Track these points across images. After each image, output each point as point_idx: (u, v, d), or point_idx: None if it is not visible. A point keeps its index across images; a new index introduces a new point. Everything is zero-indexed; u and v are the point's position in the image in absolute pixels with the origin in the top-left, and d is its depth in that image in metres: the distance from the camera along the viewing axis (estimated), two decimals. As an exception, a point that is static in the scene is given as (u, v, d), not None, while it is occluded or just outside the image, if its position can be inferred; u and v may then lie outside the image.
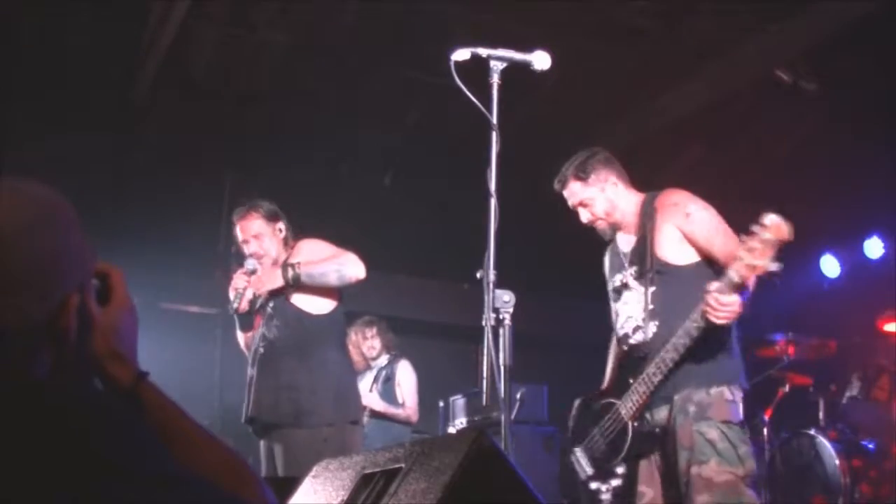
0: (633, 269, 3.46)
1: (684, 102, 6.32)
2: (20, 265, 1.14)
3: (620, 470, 3.35)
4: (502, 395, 2.59)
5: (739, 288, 3.02)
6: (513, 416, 3.62)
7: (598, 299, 3.75)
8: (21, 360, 1.15)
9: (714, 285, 3.05)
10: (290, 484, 2.05)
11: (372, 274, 4.16)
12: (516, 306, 2.67)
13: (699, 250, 3.37)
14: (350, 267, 4.07)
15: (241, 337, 4.34)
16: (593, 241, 3.73)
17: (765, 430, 5.62)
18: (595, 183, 3.50)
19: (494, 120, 2.78)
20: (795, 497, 5.38)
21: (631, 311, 3.45)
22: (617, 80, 6.09)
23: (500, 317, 2.67)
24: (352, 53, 5.86)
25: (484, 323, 2.65)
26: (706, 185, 3.66)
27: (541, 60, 2.90)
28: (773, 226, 2.91)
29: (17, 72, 5.37)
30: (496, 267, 2.69)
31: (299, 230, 4.32)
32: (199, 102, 6.25)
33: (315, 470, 2.02)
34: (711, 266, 3.36)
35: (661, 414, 3.32)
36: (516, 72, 2.88)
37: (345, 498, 1.77)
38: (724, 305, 3.03)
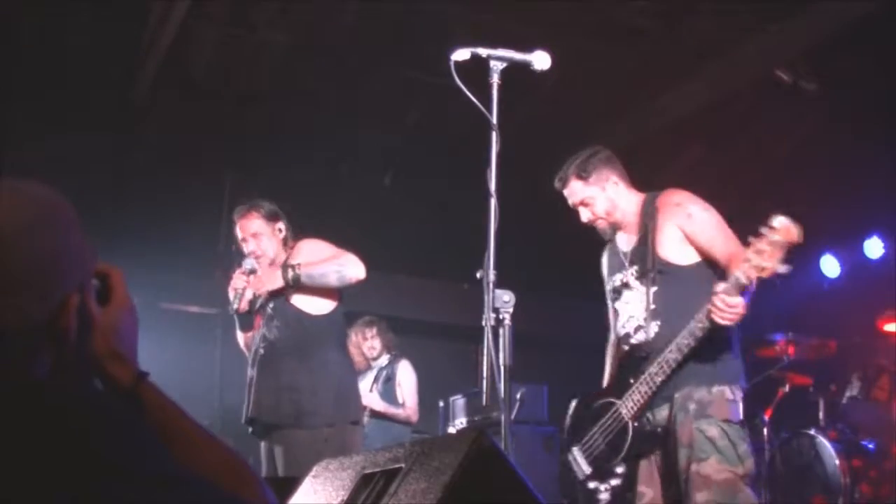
0: (633, 269, 3.46)
1: (684, 102, 6.32)
2: (20, 265, 1.14)
3: (620, 470, 3.35)
4: (502, 395, 2.59)
5: (744, 289, 3.02)
6: (513, 416, 3.62)
7: (598, 299, 3.75)
8: (21, 360, 1.15)
9: (720, 286, 3.05)
10: (290, 484, 2.05)
11: (372, 274, 4.16)
12: (516, 306, 2.67)
13: (700, 251, 3.37)
14: (350, 267, 4.07)
15: (240, 337, 4.34)
16: (593, 241, 3.73)
17: (765, 430, 5.61)
18: (596, 182, 3.50)
19: (494, 120, 2.78)
20: (795, 497, 5.38)
21: (632, 311, 3.45)
22: (617, 80, 6.09)
23: (500, 317, 2.67)
24: (352, 53, 5.86)
25: (484, 323, 2.65)
26: (706, 185, 3.67)
27: (541, 60, 2.90)
28: (783, 228, 2.92)
29: (17, 72, 5.37)
30: (496, 267, 2.69)
31: (299, 230, 4.32)
32: (199, 102, 6.25)
33: (315, 470, 2.02)
34: (711, 267, 3.36)
35: (662, 413, 3.32)
36: (516, 72, 2.88)
37: (345, 498, 1.77)
38: (730, 307, 3.03)
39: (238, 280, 4.13)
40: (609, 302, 3.69)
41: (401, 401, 6.04)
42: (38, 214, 1.18)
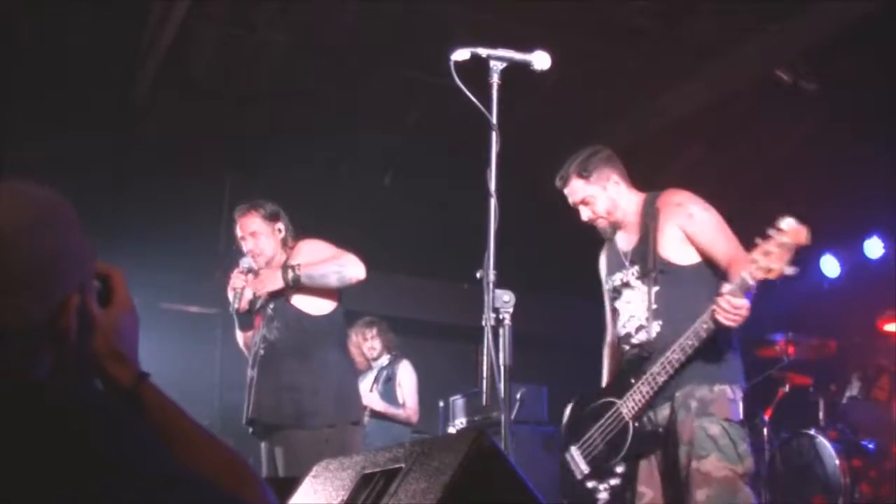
0: (635, 269, 3.46)
1: (684, 102, 6.32)
2: (20, 265, 1.14)
3: (620, 469, 3.35)
4: (502, 395, 2.59)
5: (749, 290, 3.03)
6: (513, 416, 3.61)
7: (598, 299, 3.75)
8: (21, 360, 1.15)
9: (726, 287, 3.06)
10: (290, 484, 2.05)
11: (372, 274, 4.16)
12: (516, 306, 2.67)
13: (701, 251, 3.37)
14: (350, 268, 4.07)
15: (240, 336, 4.34)
16: (593, 241, 3.72)
17: (765, 430, 5.61)
18: (597, 181, 3.50)
19: (494, 120, 2.78)
20: (795, 497, 5.38)
21: (633, 311, 3.45)
22: (617, 80, 6.09)
23: (500, 317, 2.66)
24: (352, 53, 5.86)
25: (484, 323, 2.65)
26: (706, 185, 3.67)
27: (541, 60, 2.90)
28: (792, 230, 2.93)
29: (17, 72, 5.38)
30: (496, 267, 2.69)
31: (300, 232, 4.32)
32: (199, 102, 6.25)
33: (315, 470, 2.02)
34: (711, 267, 3.36)
35: (663, 413, 3.32)
36: (516, 72, 2.88)
37: (345, 498, 1.76)
38: (735, 308, 3.03)
39: (236, 279, 4.13)
40: (607, 301, 3.69)
41: (401, 401, 6.04)
42: (38, 215, 1.18)
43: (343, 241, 4.23)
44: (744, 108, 6.48)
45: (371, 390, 5.94)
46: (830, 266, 7.01)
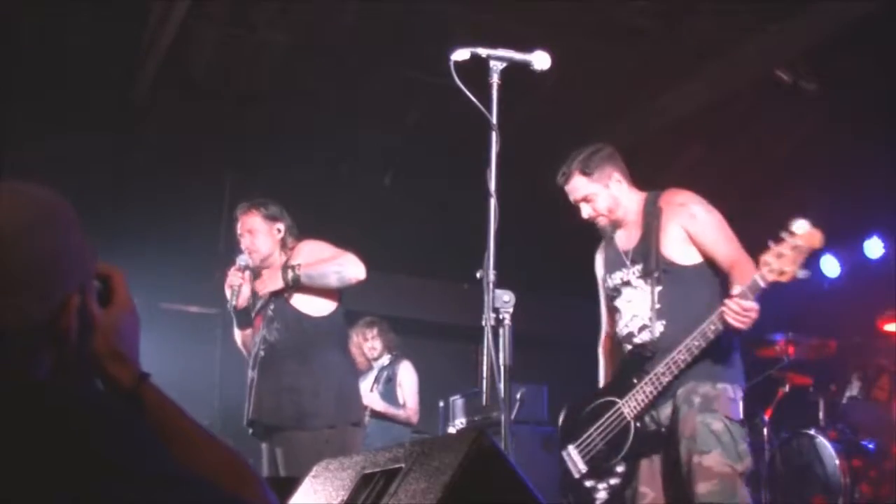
0: (636, 268, 3.46)
1: (684, 102, 6.31)
2: (20, 265, 1.14)
3: (620, 469, 3.35)
4: (502, 395, 2.59)
5: (759, 292, 3.04)
6: (513, 416, 3.61)
7: (598, 299, 3.75)
8: (21, 360, 1.15)
9: (736, 290, 3.06)
10: (290, 484, 2.05)
11: (372, 274, 4.16)
12: (516, 306, 2.67)
13: (703, 252, 3.38)
14: (350, 268, 4.07)
15: (238, 335, 4.34)
16: (593, 241, 3.72)
17: (765, 430, 5.61)
18: (599, 179, 3.49)
19: (494, 120, 2.78)
20: (795, 497, 5.38)
21: (636, 310, 3.44)
22: (617, 80, 6.09)
23: (500, 317, 2.67)
24: (352, 53, 5.86)
25: (484, 323, 2.65)
26: (706, 185, 3.67)
27: (541, 60, 2.90)
28: (807, 234, 2.94)
29: (17, 72, 5.37)
30: (496, 267, 2.69)
31: (301, 233, 4.32)
32: (199, 102, 6.25)
33: (315, 470, 2.02)
34: (713, 267, 3.37)
35: (665, 411, 3.32)
36: (516, 72, 2.88)
37: (345, 498, 1.76)
38: (746, 310, 3.04)
39: (233, 277, 4.14)
40: (604, 299, 3.69)
41: (401, 401, 6.04)
42: (38, 215, 1.18)
43: (343, 241, 4.24)
44: (744, 108, 6.48)
45: (371, 390, 5.94)
46: (830, 266, 7.00)
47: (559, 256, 6.96)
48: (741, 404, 3.30)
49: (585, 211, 3.55)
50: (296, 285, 4.06)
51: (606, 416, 3.40)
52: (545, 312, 7.72)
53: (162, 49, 5.60)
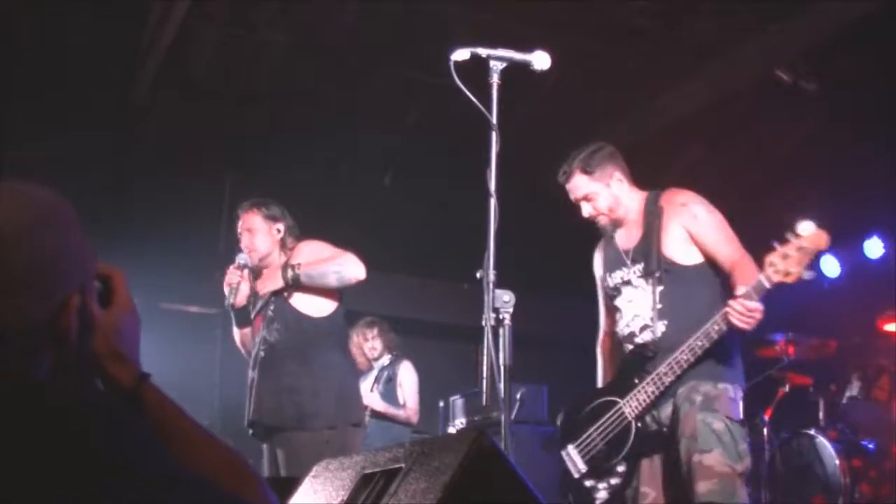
0: (637, 267, 3.45)
1: (684, 102, 6.31)
2: (20, 265, 1.14)
3: (621, 469, 3.35)
4: (502, 395, 2.59)
5: (763, 293, 3.04)
6: (513, 416, 3.61)
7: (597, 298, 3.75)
8: (21, 360, 1.15)
9: (741, 290, 3.06)
10: (290, 484, 2.05)
11: (372, 274, 4.16)
12: (516, 306, 2.67)
13: (704, 252, 3.38)
14: (350, 268, 4.07)
15: (236, 334, 4.34)
16: (593, 240, 3.72)
17: (765, 430, 5.61)
18: (600, 178, 3.49)
19: (494, 120, 2.78)
20: (795, 497, 5.38)
21: (637, 310, 3.44)
22: (617, 80, 6.09)
23: (500, 317, 2.66)
24: (352, 53, 5.86)
25: (484, 323, 2.65)
26: (706, 185, 3.67)
27: (541, 60, 2.90)
28: (813, 235, 2.94)
29: (17, 72, 5.37)
30: (496, 267, 2.69)
31: (302, 234, 4.32)
32: (199, 102, 6.25)
33: (315, 470, 2.02)
34: (714, 267, 3.37)
35: (665, 411, 3.32)
36: (516, 72, 2.88)
37: (345, 498, 1.76)
38: (750, 311, 3.04)
39: (232, 275, 4.14)
40: (603, 298, 3.69)
41: (402, 401, 6.04)
42: (38, 215, 1.18)
43: (343, 241, 4.23)
44: (744, 108, 6.48)
45: (372, 390, 5.94)
46: (830, 266, 7.00)
47: (559, 256, 6.96)
48: (741, 404, 3.30)
49: (586, 210, 3.54)
50: (295, 284, 4.06)
51: (607, 415, 3.40)
52: (545, 312, 7.71)
53: (162, 49, 5.60)
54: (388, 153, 7.07)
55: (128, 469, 1.04)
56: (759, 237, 3.26)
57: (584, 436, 3.45)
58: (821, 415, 5.67)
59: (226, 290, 4.15)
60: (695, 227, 3.37)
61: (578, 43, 5.50)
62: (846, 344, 5.96)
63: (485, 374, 2.62)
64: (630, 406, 3.33)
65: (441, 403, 6.65)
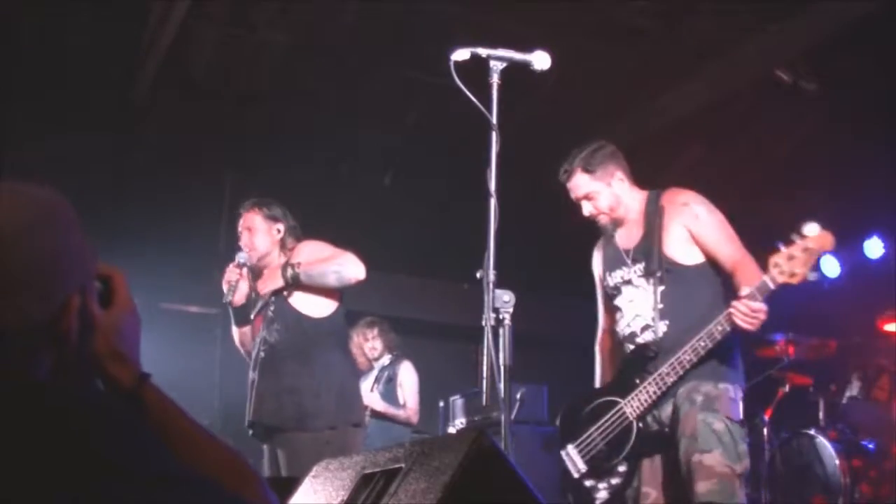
0: (638, 267, 3.45)
1: (684, 102, 6.31)
2: (20, 265, 1.14)
3: (622, 468, 3.35)
4: (502, 395, 2.59)
5: (768, 294, 3.04)
6: (513, 416, 3.61)
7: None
8: (21, 360, 1.15)
9: (745, 291, 3.06)
10: (290, 484, 2.05)
11: (372, 274, 4.16)
12: (516, 306, 2.67)
13: (705, 252, 3.37)
14: (349, 267, 4.07)
15: (235, 332, 4.34)
16: (593, 240, 3.72)
17: (765, 430, 5.61)
18: (602, 177, 3.49)
19: (494, 120, 2.78)
20: (795, 497, 5.38)
21: (638, 310, 3.44)
22: (617, 80, 6.09)
23: (500, 317, 2.66)
24: (352, 53, 5.86)
25: (484, 323, 2.65)
26: (706, 184, 3.67)
27: (541, 60, 2.90)
28: (818, 236, 2.95)
29: (17, 72, 5.37)
30: (496, 267, 2.69)
31: (302, 235, 4.32)
32: (199, 102, 6.25)
33: (315, 470, 2.02)
34: (715, 267, 3.37)
35: (666, 411, 3.32)
36: (516, 72, 2.88)
37: (345, 498, 1.76)
38: (754, 312, 3.04)
39: (231, 273, 4.15)
40: (602, 298, 3.68)
41: (402, 401, 6.04)
42: (38, 215, 1.18)
43: (343, 241, 4.23)
44: (744, 108, 6.48)
45: (372, 390, 5.94)
46: (830, 266, 7.00)
47: (559, 256, 6.96)
48: (741, 405, 3.30)
49: (587, 209, 3.54)
50: (295, 283, 4.06)
51: (608, 415, 3.40)
52: (545, 312, 7.71)
53: (162, 49, 5.60)
54: (388, 153, 7.07)
55: (128, 469, 1.04)
56: (759, 237, 3.27)
57: (585, 436, 3.45)
58: (821, 415, 5.67)
59: (224, 287, 4.15)
60: (696, 227, 3.37)
61: (578, 43, 5.50)
62: (846, 344, 5.96)
63: (485, 374, 2.62)
64: (631, 406, 3.33)
65: (441, 403, 6.65)
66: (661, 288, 3.37)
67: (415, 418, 6.05)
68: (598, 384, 3.69)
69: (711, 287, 3.35)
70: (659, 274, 3.37)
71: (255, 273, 4.28)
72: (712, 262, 3.37)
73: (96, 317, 1.25)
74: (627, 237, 3.53)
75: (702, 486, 3.13)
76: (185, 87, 6.10)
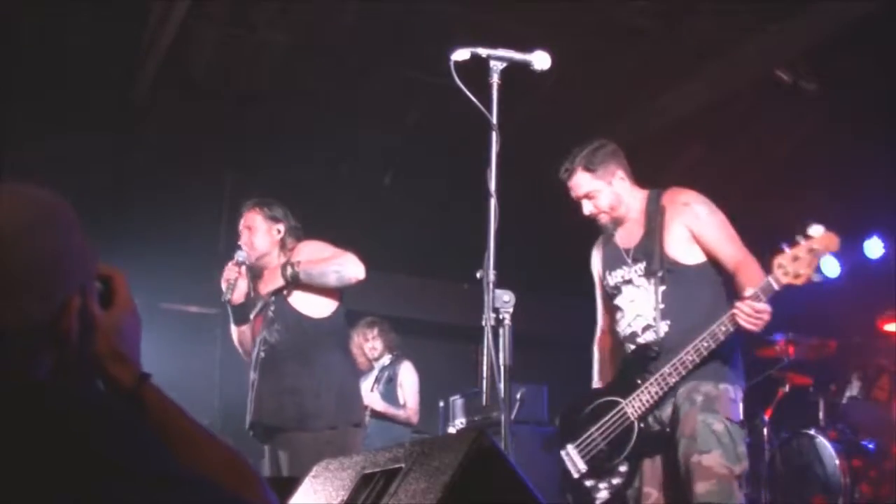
0: (638, 266, 3.45)
1: (684, 102, 6.31)
2: (20, 266, 1.14)
3: (623, 468, 3.35)
4: (502, 395, 2.59)
5: (771, 294, 3.04)
6: (513, 416, 3.61)
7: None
8: (21, 360, 1.15)
9: (748, 292, 3.06)
10: (290, 484, 2.05)
11: (372, 274, 4.16)
12: (516, 306, 2.67)
13: (706, 252, 3.37)
14: (349, 267, 4.07)
15: (234, 331, 4.34)
16: (593, 240, 3.72)
17: (765, 430, 5.61)
18: (603, 176, 3.49)
19: (494, 120, 2.78)
20: (795, 497, 5.38)
21: (639, 310, 3.43)
22: (617, 80, 6.09)
23: (500, 317, 2.66)
24: (352, 53, 5.86)
25: (484, 323, 2.65)
26: (706, 184, 3.67)
27: (541, 60, 2.90)
28: (823, 237, 2.95)
29: (17, 72, 5.38)
30: (496, 267, 2.69)
31: (303, 235, 4.32)
32: (199, 102, 6.25)
33: (315, 470, 2.02)
34: (716, 267, 3.36)
35: (667, 411, 3.32)
36: (516, 72, 2.88)
37: (345, 498, 1.76)
38: (758, 312, 3.04)
39: (230, 271, 4.15)
40: (602, 297, 3.68)
41: (402, 401, 6.04)
42: (38, 215, 1.18)
43: (343, 241, 4.23)
44: (744, 108, 6.48)
45: (372, 390, 5.94)
46: (830, 266, 7.00)
47: (559, 256, 6.96)
48: (741, 405, 3.30)
49: (587, 207, 3.54)
50: (295, 282, 4.07)
51: (609, 415, 3.39)
52: (545, 312, 7.71)
53: (162, 49, 5.61)
54: (388, 153, 7.07)
55: (129, 469, 1.04)
56: (759, 237, 3.27)
57: (585, 435, 3.45)
58: (821, 415, 5.66)
59: (223, 285, 4.15)
60: (697, 227, 3.37)
61: (578, 43, 5.50)
62: (846, 344, 5.96)
63: (485, 374, 2.62)
64: (633, 406, 3.33)
65: (441, 403, 6.65)
66: (663, 288, 3.36)
67: (415, 418, 6.05)
68: (596, 383, 3.69)
69: (712, 287, 3.35)
70: (660, 274, 3.37)
71: (255, 273, 4.28)
72: (713, 262, 3.37)
73: (97, 317, 1.25)
74: (628, 236, 3.53)
75: (700, 487, 3.13)
76: (185, 87, 6.10)
